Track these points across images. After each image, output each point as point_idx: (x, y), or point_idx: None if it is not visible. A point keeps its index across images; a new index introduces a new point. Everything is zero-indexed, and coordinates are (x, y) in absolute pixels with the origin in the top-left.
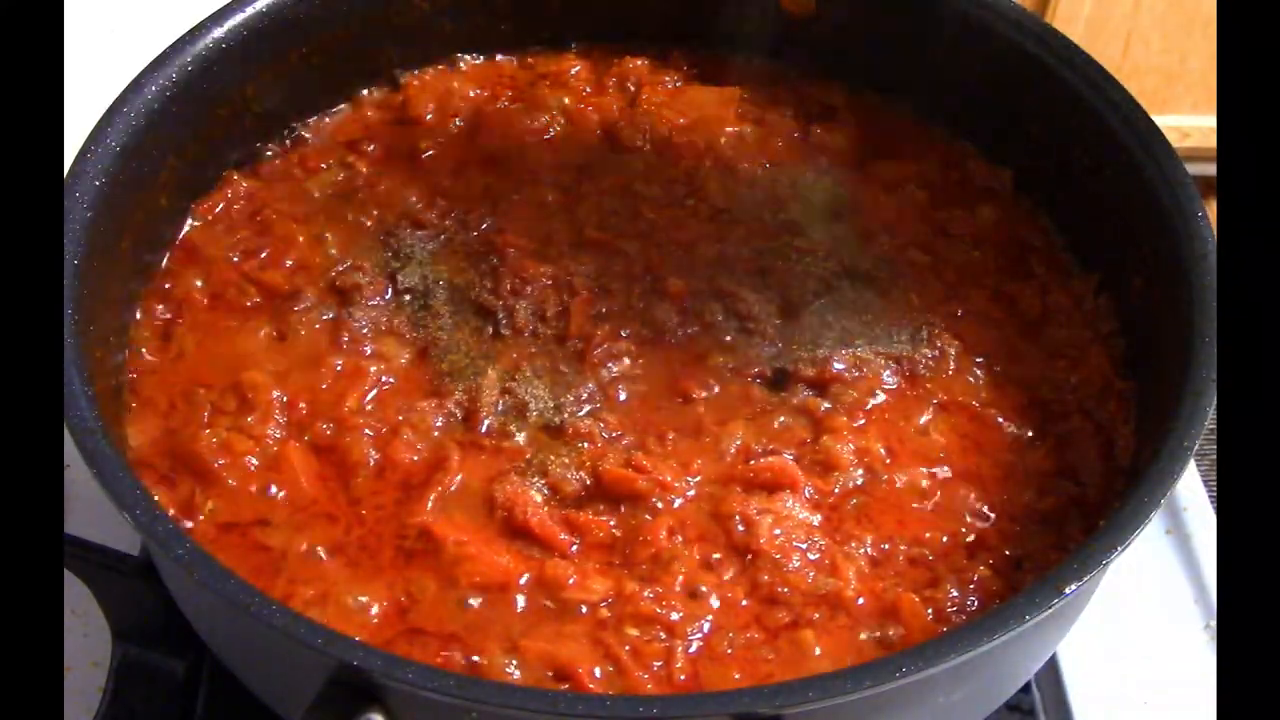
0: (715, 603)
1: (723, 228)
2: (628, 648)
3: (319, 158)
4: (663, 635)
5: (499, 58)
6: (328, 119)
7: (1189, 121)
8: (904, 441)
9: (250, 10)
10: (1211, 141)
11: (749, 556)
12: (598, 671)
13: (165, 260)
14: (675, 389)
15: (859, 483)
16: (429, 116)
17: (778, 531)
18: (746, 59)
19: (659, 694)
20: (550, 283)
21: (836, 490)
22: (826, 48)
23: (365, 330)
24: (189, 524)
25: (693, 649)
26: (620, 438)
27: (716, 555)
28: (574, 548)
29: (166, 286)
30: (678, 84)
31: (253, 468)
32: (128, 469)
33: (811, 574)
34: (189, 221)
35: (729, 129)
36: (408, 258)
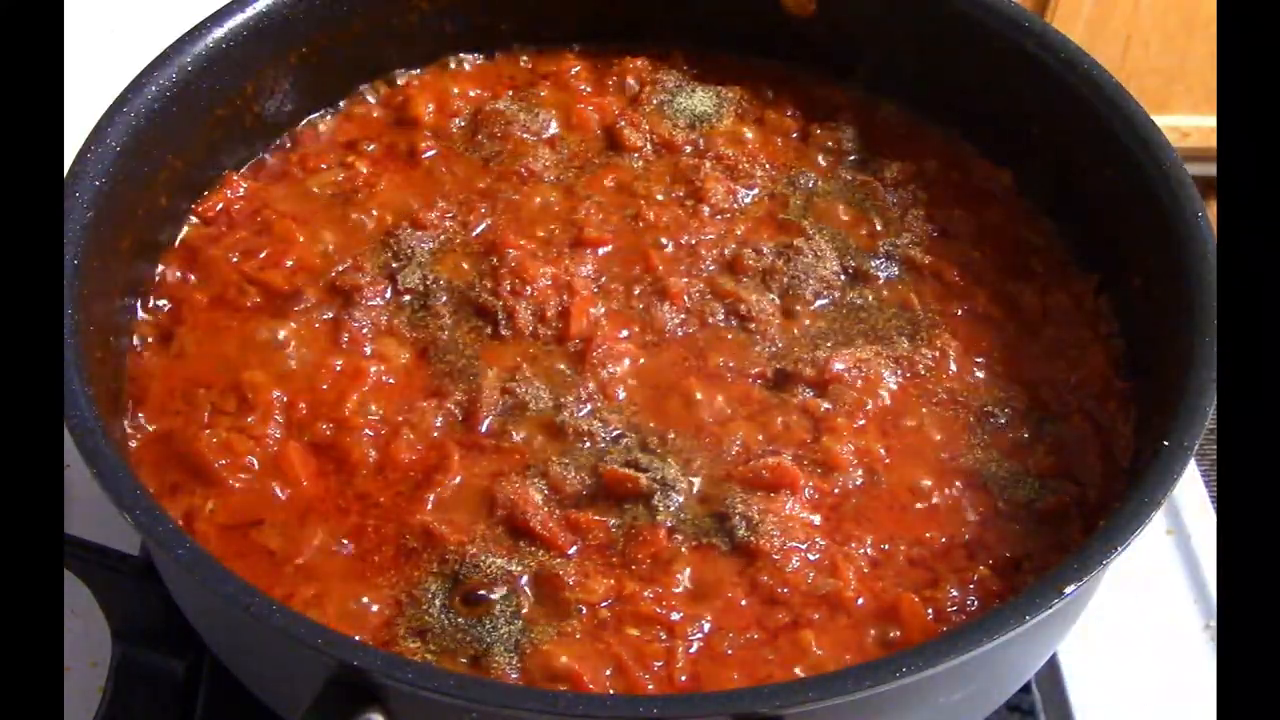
0: (715, 603)
1: (722, 227)
2: (628, 648)
3: (319, 158)
4: (663, 635)
5: (499, 58)
6: (328, 119)
7: (1189, 121)
8: (904, 442)
9: (250, 10)
10: (1211, 141)
11: (749, 557)
12: (598, 671)
13: (165, 260)
14: (675, 389)
15: (859, 483)
16: (429, 116)
17: (777, 532)
18: (746, 59)
19: (659, 694)
20: (550, 283)
21: (836, 490)
22: (826, 48)
23: (365, 330)
24: (189, 524)
25: (693, 649)
26: (620, 438)
27: (717, 556)
28: (574, 548)
29: (166, 287)
30: (678, 84)
31: (253, 468)
32: (128, 469)
33: (811, 574)
34: (189, 221)
35: (729, 129)
36: (408, 258)
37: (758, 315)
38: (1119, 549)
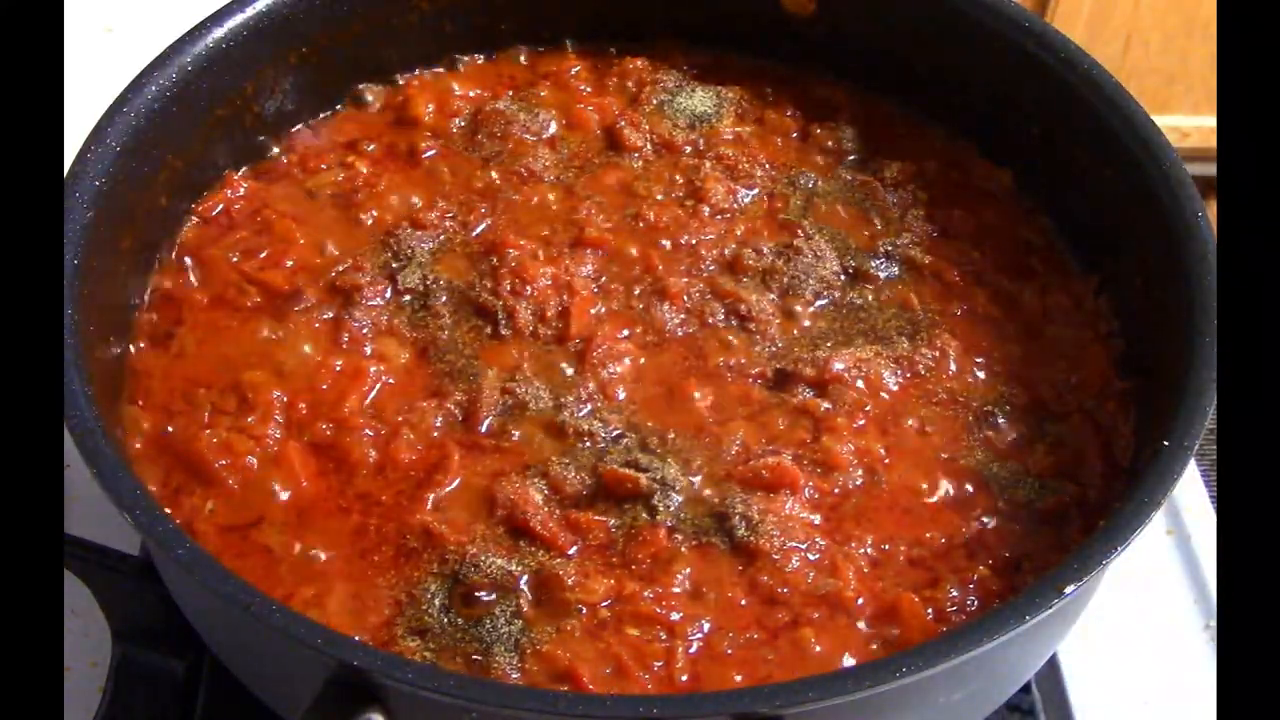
0: (715, 603)
1: (722, 227)
2: (628, 648)
3: (319, 158)
4: (663, 635)
5: (499, 58)
6: (328, 119)
7: (1189, 121)
8: (904, 442)
9: (250, 10)
10: (1211, 141)
11: (749, 556)
12: (598, 671)
13: (165, 260)
14: (675, 389)
15: (859, 483)
16: (429, 116)
17: (777, 532)
18: (746, 59)
19: (659, 694)
20: (550, 283)
21: (836, 490)
22: (826, 48)
23: (365, 330)
24: (189, 524)
25: (693, 649)
26: (620, 438)
27: (717, 556)
28: (574, 548)
29: (166, 286)
30: (678, 84)
31: (253, 468)
32: (128, 469)
33: (811, 574)
34: (189, 221)
35: (729, 129)
36: (408, 258)
37: (758, 315)
38: (1119, 549)
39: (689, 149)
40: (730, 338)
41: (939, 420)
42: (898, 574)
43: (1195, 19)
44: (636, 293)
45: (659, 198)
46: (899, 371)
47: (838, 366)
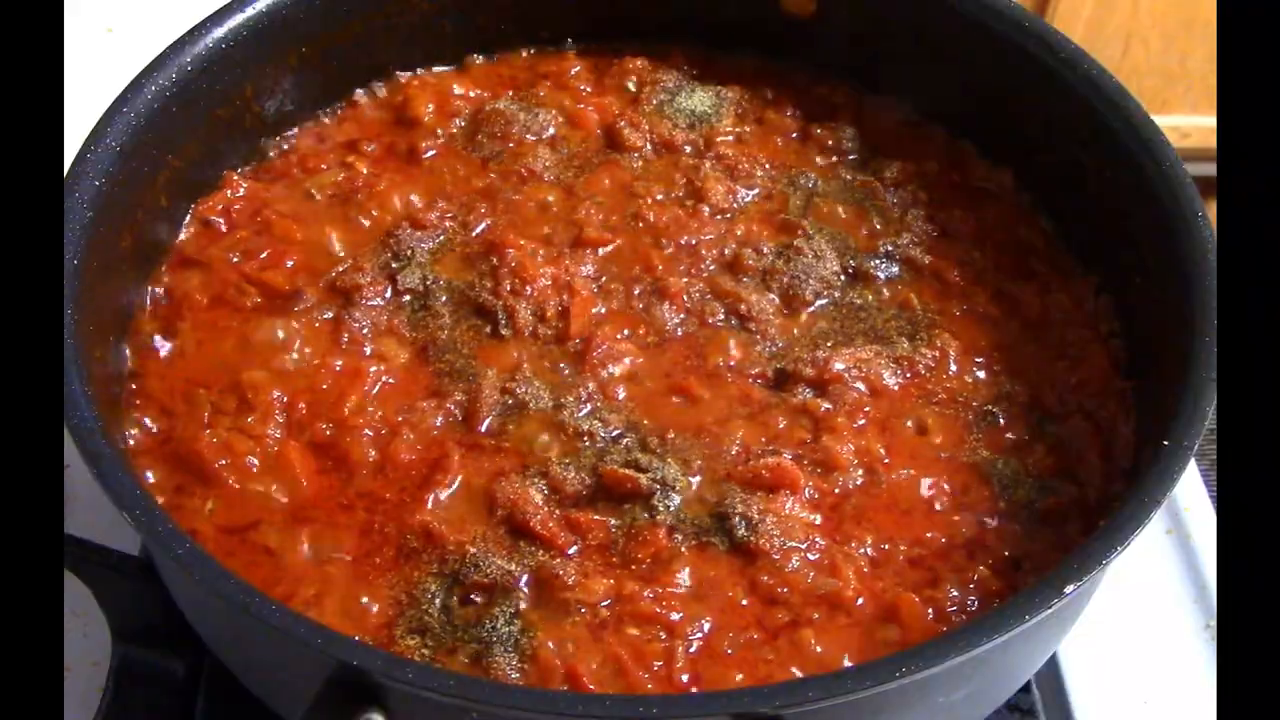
0: (715, 603)
1: (722, 227)
2: (628, 648)
3: (319, 158)
4: (663, 635)
5: (499, 58)
6: (328, 119)
7: (1189, 121)
8: (904, 442)
9: (250, 10)
10: (1211, 141)
11: (749, 556)
12: (598, 671)
13: (165, 260)
14: (675, 389)
15: (859, 483)
16: (429, 116)
17: (777, 532)
18: (746, 59)
19: (659, 694)
20: (550, 283)
21: (836, 490)
22: (826, 48)
23: (365, 330)
24: (189, 524)
25: (693, 649)
26: (620, 438)
27: (716, 555)
28: (574, 548)
29: (166, 286)
30: (678, 84)
31: (253, 468)
32: (128, 469)
33: (811, 574)
34: (189, 221)
35: (729, 129)
36: (408, 258)
37: (758, 315)
38: (1119, 549)
39: (689, 149)
40: (730, 338)
41: (939, 420)
42: (898, 574)
43: (1195, 19)
44: (636, 293)
45: (659, 198)
46: (899, 371)
47: (838, 366)
